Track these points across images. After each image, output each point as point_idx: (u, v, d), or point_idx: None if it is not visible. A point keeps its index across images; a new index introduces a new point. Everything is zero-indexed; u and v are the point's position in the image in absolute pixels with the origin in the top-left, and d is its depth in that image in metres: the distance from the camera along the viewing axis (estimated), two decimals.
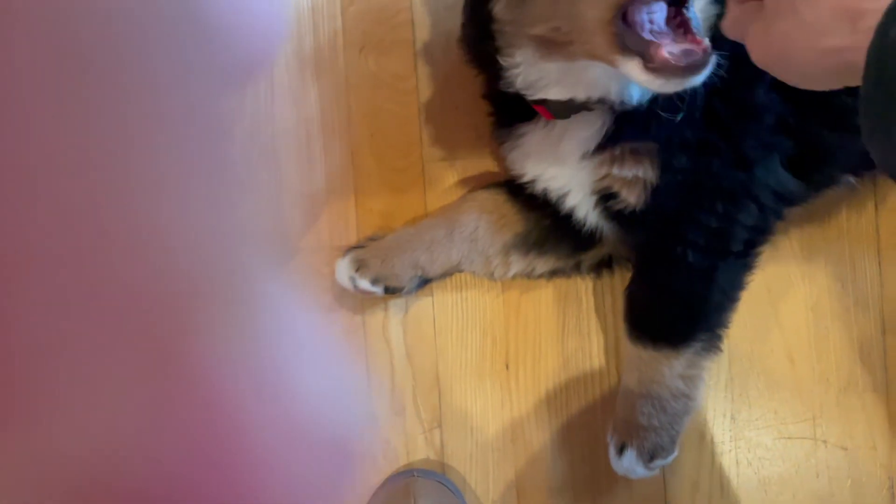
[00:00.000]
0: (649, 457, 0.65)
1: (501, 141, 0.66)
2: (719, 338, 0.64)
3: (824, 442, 0.69)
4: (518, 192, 0.67)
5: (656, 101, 0.55)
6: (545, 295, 0.71)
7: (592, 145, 0.59)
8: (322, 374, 0.17)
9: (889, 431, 0.69)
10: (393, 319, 0.72)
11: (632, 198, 0.59)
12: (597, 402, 0.71)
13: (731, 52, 0.49)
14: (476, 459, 0.72)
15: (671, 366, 0.64)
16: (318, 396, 0.16)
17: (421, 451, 0.72)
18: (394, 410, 0.72)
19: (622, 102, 0.56)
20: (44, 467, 0.13)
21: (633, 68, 0.49)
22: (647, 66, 0.49)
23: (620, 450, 0.66)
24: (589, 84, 0.56)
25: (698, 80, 0.49)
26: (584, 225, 0.65)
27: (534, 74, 0.57)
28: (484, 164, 0.71)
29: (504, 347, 0.72)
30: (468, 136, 0.71)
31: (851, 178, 0.66)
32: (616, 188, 0.60)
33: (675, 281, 0.63)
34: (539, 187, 0.65)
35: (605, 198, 0.61)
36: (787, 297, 0.70)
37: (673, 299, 0.64)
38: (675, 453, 0.66)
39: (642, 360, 0.64)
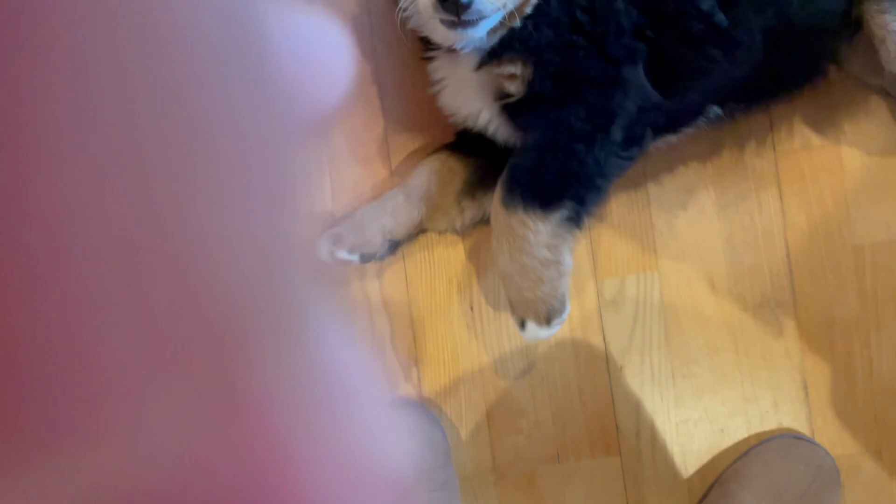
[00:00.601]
0: (547, 321, 0.71)
1: (432, 82, 0.77)
2: (582, 215, 0.69)
3: (746, 353, 0.81)
4: (459, 146, 0.78)
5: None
6: None
7: (476, 61, 0.71)
8: (369, 400, 0.17)
9: (800, 340, 0.81)
10: (370, 281, 0.83)
11: (513, 87, 0.70)
12: None
13: None
14: (450, 391, 0.82)
15: (537, 231, 0.68)
16: (367, 426, 0.16)
17: (401, 388, 0.82)
18: (374, 354, 0.82)
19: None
20: (93, 489, 0.13)
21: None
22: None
23: (522, 324, 0.72)
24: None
25: (477, 32, 0.64)
26: (504, 143, 0.75)
27: (419, 20, 0.71)
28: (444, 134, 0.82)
29: (468, 292, 0.82)
30: (427, 110, 0.81)
31: (717, 109, 0.75)
32: (504, 87, 0.71)
33: (557, 140, 0.68)
34: (462, 120, 0.76)
35: (501, 103, 0.72)
36: (706, 233, 0.81)
37: (551, 160, 0.68)
38: (568, 309, 0.71)
39: (511, 230, 0.69)
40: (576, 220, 0.69)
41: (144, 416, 0.13)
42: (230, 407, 0.14)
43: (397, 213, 0.79)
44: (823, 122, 0.81)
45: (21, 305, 0.12)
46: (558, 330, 0.71)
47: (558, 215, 0.68)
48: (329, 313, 0.16)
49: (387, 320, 0.82)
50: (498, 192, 0.70)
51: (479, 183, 0.79)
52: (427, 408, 0.82)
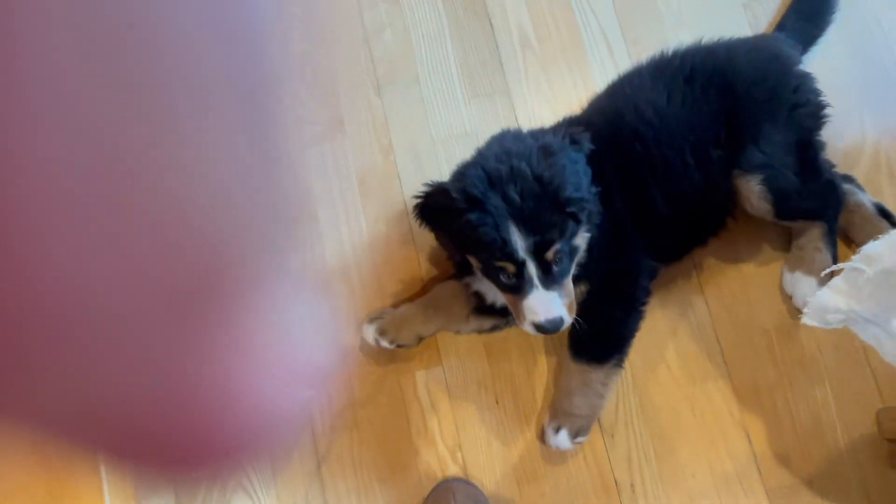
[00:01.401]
0: (575, 435, 1.05)
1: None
2: (623, 361, 1.06)
3: (701, 415, 1.10)
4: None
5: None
6: (510, 347, 1.12)
7: None
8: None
9: (738, 401, 1.10)
10: (421, 388, 1.12)
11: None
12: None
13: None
14: (488, 468, 1.09)
15: (596, 375, 1.05)
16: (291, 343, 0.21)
17: (450, 469, 1.08)
18: (426, 443, 1.09)
19: None
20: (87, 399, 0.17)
21: (526, 327, 0.95)
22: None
23: (557, 430, 1.05)
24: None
25: (558, 330, 0.95)
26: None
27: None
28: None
29: (493, 389, 1.11)
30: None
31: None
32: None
33: (605, 324, 1.04)
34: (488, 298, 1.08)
35: None
36: (658, 333, 1.13)
37: (602, 334, 1.04)
38: (588, 435, 1.05)
39: (579, 372, 1.05)
40: (620, 365, 1.06)
41: (133, 339, 0.16)
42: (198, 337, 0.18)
43: (427, 321, 1.10)
44: (727, 252, 1.16)
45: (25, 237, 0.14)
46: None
47: (609, 366, 1.04)
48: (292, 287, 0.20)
49: (436, 419, 1.10)
50: (569, 350, 1.05)
51: (483, 311, 1.11)
52: (473, 483, 1.07)
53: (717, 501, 1.07)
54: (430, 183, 0.99)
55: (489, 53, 1.24)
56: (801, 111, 1.08)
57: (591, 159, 0.97)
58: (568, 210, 0.91)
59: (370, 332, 1.09)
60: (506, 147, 0.96)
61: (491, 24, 1.25)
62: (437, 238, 1.05)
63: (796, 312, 1.13)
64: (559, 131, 1.00)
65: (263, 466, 1.08)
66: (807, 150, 1.10)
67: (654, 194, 1.03)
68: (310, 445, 1.09)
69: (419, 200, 0.99)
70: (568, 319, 0.95)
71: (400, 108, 1.22)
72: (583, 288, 1.02)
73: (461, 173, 0.96)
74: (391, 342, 1.09)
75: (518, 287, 0.93)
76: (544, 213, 0.90)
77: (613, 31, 1.23)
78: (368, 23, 1.25)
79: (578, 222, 0.94)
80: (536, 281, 0.92)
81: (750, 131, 1.06)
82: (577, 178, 0.93)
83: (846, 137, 1.20)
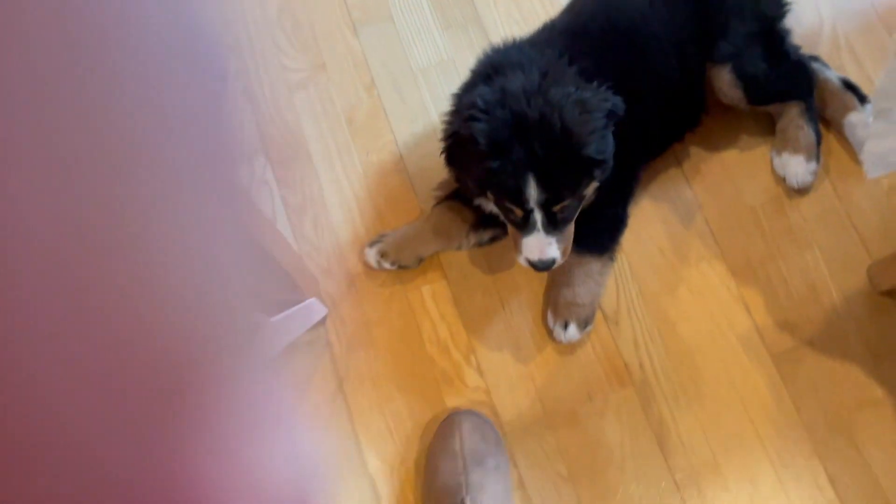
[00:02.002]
0: (584, 325, 1.09)
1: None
2: (616, 252, 1.11)
3: (699, 293, 1.14)
4: (460, 197, 1.13)
5: None
6: (510, 254, 1.17)
7: None
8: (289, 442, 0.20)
9: (733, 277, 1.14)
10: (428, 301, 1.16)
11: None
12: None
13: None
14: (501, 368, 1.12)
15: (596, 266, 1.09)
16: (284, 462, 0.20)
17: (466, 372, 1.12)
18: (440, 351, 1.13)
19: None
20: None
21: (520, 259, 1.00)
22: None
23: (565, 325, 1.09)
24: None
25: (549, 269, 1.00)
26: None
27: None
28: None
29: (498, 295, 1.16)
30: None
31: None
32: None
33: (603, 219, 1.09)
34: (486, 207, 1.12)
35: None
36: (649, 222, 1.18)
37: (601, 229, 1.10)
38: (594, 323, 1.11)
39: (580, 264, 1.09)
40: (612, 258, 1.12)
41: (94, 431, 0.15)
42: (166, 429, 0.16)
43: (427, 241, 1.14)
44: (707, 144, 1.21)
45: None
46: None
47: (605, 257, 1.10)
48: (261, 361, 0.19)
49: (446, 327, 1.14)
50: (574, 246, 1.06)
51: (483, 224, 1.15)
52: (479, 412, 1.09)
53: (725, 373, 1.11)
54: (455, 117, 0.99)
55: None
56: (763, 2, 1.14)
57: (593, 69, 0.99)
58: (587, 170, 0.95)
59: (372, 255, 1.14)
60: (534, 80, 0.94)
61: None
62: (456, 175, 1.06)
63: (782, 189, 1.18)
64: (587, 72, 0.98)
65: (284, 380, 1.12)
66: (772, 37, 1.15)
67: (646, 95, 1.08)
68: (329, 366, 1.13)
69: (447, 142, 1.00)
70: (560, 261, 1.00)
71: (377, 46, 1.28)
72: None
73: (486, 110, 0.93)
74: (392, 263, 1.14)
75: (522, 225, 0.98)
76: (564, 170, 0.93)
77: None
78: None
79: (593, 179, 0.98)
80: (539, 225, 0.96)
81: (719, 27, 1.12)
82: (605, 141, 0.94)
83: (805, 23, 1.26)
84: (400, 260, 1.14)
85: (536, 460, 1.08)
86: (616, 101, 0.96)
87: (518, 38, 1.08)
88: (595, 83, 0.97)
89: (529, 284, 1.16)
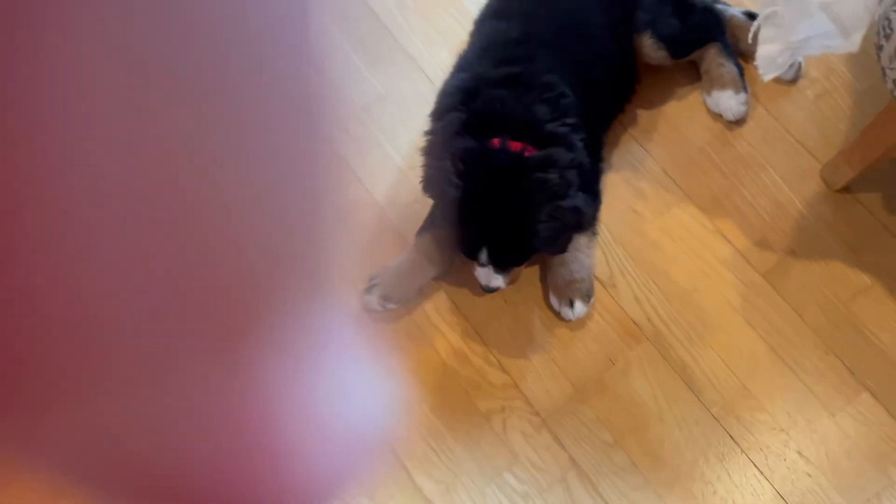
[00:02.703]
0: (587, 298, 1.14)
1: None
2: (597, 229, 1.17)
3: (675, 238, 1.20)
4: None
5: None
6: None
7: None
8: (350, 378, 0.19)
9: (703, 214, 1.21)
10: (434, 317, 1.18)
11: None
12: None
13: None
14: (522, 360, 1.15)
15: (582, 241, 1.14)
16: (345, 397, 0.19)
17: (490, 373, 1.15)
18: (459, 361, 1.15)
19: None
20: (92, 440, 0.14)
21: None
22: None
23: (570, 303, 1.14)
24: None
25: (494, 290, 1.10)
26: None
27: None
28: None
29: (498, 294, 1.19)
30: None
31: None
32: None
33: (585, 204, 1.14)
34: None
35: None
36: (613, 183, 1.24)
37: (583, 214, 1.14)
38: (595, 294, 1.15)
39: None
40: (596, 231, 1.17)
41: (159, 371, 0.15)
42: (230, 373, 0.15)
43: (423, 272, 1.17)
44: (645, 107, 1.29)
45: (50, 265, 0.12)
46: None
47: (589, 233, 1.16)
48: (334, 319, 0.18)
49: (458, 336, 1.17)
50: None
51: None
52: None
53: (725, 302, 1.16)
54: (433, 159, 1.08)
55: (372, 22, 1.36)
56: None
57: (559, 73, 1.08)
58: (534, 252, 1.09)
59: (374, 301, 1.15)
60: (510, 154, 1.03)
61: None
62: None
63: (722, 124, 1.26)
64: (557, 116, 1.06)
65: None
66: None
67: (601, 82, 1.17)
68: None
69: (425, 175, 1.10)
70: (504, 286, 1.11)
71: None
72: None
73: (461, 175, 1.02)
74: (396, 302, 1.16)
75: (476, 259, 1.08)
76: (513, 253, 1.07)
77: None
78: None
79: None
80: (488, 266, 1.07)
81: (634, 1, 1.21)
82: (558, 243, 1.08)
83: None
84: (402, 297, 1.16)
85: (581, 436, 1.11)
86: (586, 208, 1.07)
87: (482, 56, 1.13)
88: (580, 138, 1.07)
89: (526, 274, 1.20)
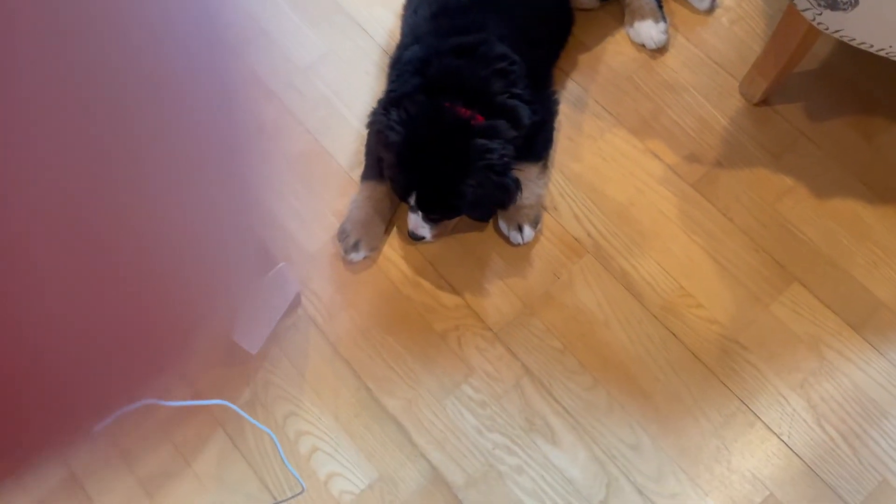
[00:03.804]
0: (535, 224, 1.21)
1: None
2: (548, 162, 1.25)
3: (613, 158, 1.27)
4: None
5: None
6: None
7: None
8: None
9: (634, 135, 1.28)
10: (389, 252, 1.25)
11: None
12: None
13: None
14: (476, 285, 1.21)
15: (533, 170, 1.22)
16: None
17: (444, 298, 1.21)
18: (415, 289, 1.21)
19: None
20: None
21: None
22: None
23: (520, 229, 1.20)
24: None
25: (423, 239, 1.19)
26: None
27: None
28: None
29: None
30: None
31: None
32: None
33: (537, 131, 1.22)
34: None
35: None
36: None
37: (535, 139, 1.22)
38: (542, 220, 1.22)
39: (521, 172, 1.19)
40: (547, 164, 1.25)
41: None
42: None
43: (384, 215, 1.24)
44: (576, 48, 1.37)
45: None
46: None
47: (542, 163, 1.24)
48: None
49: (412, 267, 1.23)
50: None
51: None
52: None
53: (659, 213, 1.23)
54: (379, 116, 1.15)
55: None
56: None
57: (508, 36, 1.17)
58: (458, 212, 1.17)
59: (361, 254, 1.22)
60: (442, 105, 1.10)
61: None
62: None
63: (646, 54, 1.34)
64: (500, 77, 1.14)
65: (286, 368, 1.17)
66: None
67: (546, 38, 1.27)
68: (319, 337, 1.19)
69: (370, 129, 1.20)
70: (430, 239, 1.20)
71: (261, 58, 1.39)
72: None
73: (402, 123, 1.10)
74: (372, 249, 1.23)
75: (408, 204, 1.16)
76: (439, 204, 1.14)
77: None
78: None
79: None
80: (418, 211, 1.15)
81: None
82: (485, 210, 1.18)
83: None
84: (374, 242, 1.23)
85: (532, 345, 1.17)
86: (514, 191, 1.13)
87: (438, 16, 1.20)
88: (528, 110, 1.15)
89: None
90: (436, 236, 1.20)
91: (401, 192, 1.16)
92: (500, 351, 1.17)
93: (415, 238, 1.19)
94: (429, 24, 1.21)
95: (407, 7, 1.31)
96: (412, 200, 1.14)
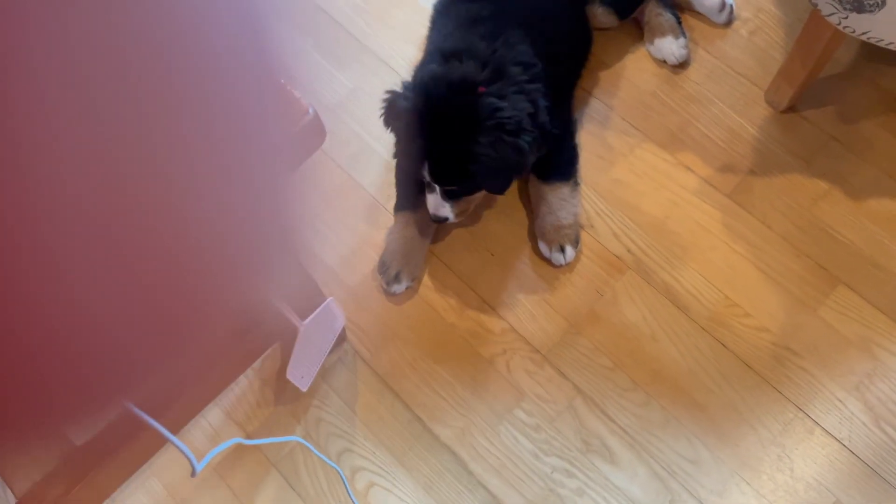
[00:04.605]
0: (575, 244, 1.22)
1: None
2: (579, 177, 1.26)
3: (646, 173, 1.28)
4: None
5: None
6: (481, 211, 1.28)
7: None
8: None
9: (665, 150, 1.29)
10: (427, 279, 1.25)
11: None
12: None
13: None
14: (520, 308, 1.22)
15: (566, 189, 1.23)
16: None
17: (490, 323, 1.21)
18: (458, 315, 1.21)
19: None
20: None
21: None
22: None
23: (562, 249, 1.21)
24: None
25: (442, 222, 1.19)
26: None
27: None
28: None
29: (482, 246, 1.26)
30: None
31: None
32: None
33: (561, 151, 1.24)
34: None
35: None
36: (583, 142, 1.32)
37: (561, 160, 1.24)
38: (581, 239, 1.23)
39: (552, 191, 1.21)
40: (578, 181, 1.26)
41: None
42: None
43: (421, 244, 1.24)
44: (597, 62, 1.39)
45: None
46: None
47: (571, 181, 1.24)
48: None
49: (454, 293, 1.23)
50: (539, 180, 1.23)
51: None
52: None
53: (697, 225, 1.24)
54: (395, 92, 1.16)
55: (335, 29, 1.47)
56: None
57: (532, 50, 1.17)
58: (475, 183, 1.15)
59: (404, 286, 1.22)
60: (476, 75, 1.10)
61: (322, 9, 1.48)
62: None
63: (668, 69, 1.36)
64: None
65: (336, 404, 1.17)
66: None
67: (566, 57, 1.28)
68: (367, 371, 1.19)
69: (384, 105, 1.17)
70: (453, 219, 1.17)
71: None
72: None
73: (413, 90, 1.12)
74: (413, 279, 1.23)
75: (427, 185, 1.16)
76: (453, 172, 1.12)
77: None
78: None
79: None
80: (437, 190, 1.15)
81: None
82: (498, 180, 1.15)
83: None
84: (417, 271, 1.24)
85: (581, 365, 1.16)
86: (530, 153, 1.11)
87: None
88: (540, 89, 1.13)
89: (504, 224, 1.27)
90: (458, 216, 1.17)
91: (414, 165, 1.14)
92: (549, 373, 1.17)
93: (437, 220, 1.17)
94: (450, 35, 1.22)
95: (432, 27, 1.33)
96: (426, 173, 1.12)
